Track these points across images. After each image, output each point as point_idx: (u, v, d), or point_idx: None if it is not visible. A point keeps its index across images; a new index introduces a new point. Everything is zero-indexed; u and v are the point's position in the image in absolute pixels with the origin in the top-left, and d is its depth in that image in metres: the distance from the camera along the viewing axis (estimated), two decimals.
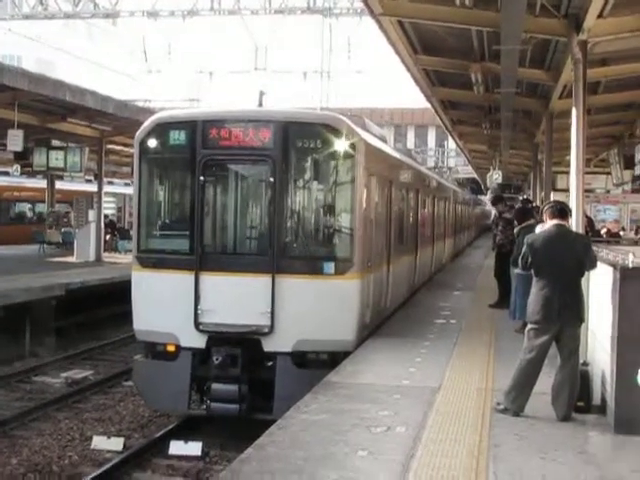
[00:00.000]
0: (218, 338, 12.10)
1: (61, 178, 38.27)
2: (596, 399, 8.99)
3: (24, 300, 19.26)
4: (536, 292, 8.83)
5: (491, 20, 12.99)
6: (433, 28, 15.20)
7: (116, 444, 12.33)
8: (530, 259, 8.89)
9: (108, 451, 12.18)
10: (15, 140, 23.34)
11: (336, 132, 12.22)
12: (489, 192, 54.63)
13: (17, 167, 30.44)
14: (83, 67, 68.46)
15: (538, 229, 12.19)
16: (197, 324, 12.15)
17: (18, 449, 12.42)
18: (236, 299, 12.14)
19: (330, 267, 12.18)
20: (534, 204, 21.67)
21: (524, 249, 9.03)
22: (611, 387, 8.28)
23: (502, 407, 8.89)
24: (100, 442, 12.42)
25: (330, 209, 12.79)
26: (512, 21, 11.65)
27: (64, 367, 18.16)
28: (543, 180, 25.24)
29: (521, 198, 30.20)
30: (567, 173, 17.98)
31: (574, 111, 12.95)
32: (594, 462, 7.50)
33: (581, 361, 9.19)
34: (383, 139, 17.31)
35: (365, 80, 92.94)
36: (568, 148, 14.17)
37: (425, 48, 17.31)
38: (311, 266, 12.25)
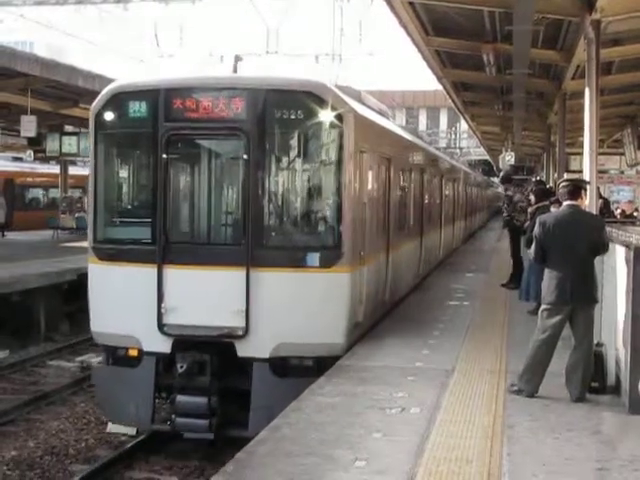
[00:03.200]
0: (185, 342, 10.63)
1: (74, 163, 38.36)
2: (610, 380, 9.00)
3: (38, 285, 19.34)
4: (549, 273, 8.82)
5: (503, 0, 12.92)
6: (444, 9, 15.12)
7: (130, 428, 12.40)
8: (541, 239, 8.87)
9: (123, 435, 12.26)
10: (29, 126, 23.46)
11: (320, 101, 10.64)
12: (501, 174, 54.53)
13: (30, 153, 30.52)
14: (94, 52, 68.48)
15: (553, 209, 12.22)
16: (161, 326, 10.62)
17: (35, 432, 12.54)
18: (205, 296, 10.60)
19: (314, 258, 10.63)
20: (548, 185, 21.64)
21: (536, 229, 9.03)
22: (625, 367, 8.27)
23: (516, 388, 8.90)
24: (115, 426, 12.49)
25: (314, 191, 11.25)
26: (525, 1, 11.58)
27: (78, 352, 18.24)
28: (556, 161, 25.16)
29: (534, 179, 30.14)
30: (580, 154, 17.97)
31: (587, 92, 12.88)
32: (608, 442, 7.51)
33: (595, 341, 9.18)
34: (384, 114, 15.80)
35: (377, 62, 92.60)
36: (581, 129, 14.10)
37: (436, 29, 17.22)
38: (292, 257, 10.68)
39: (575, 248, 8.72)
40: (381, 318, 13.34)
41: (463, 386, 9.29)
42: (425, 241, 18.70)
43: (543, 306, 8.92)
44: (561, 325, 8.79)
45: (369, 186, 12.31)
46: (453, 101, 28.30)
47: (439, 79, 22.61)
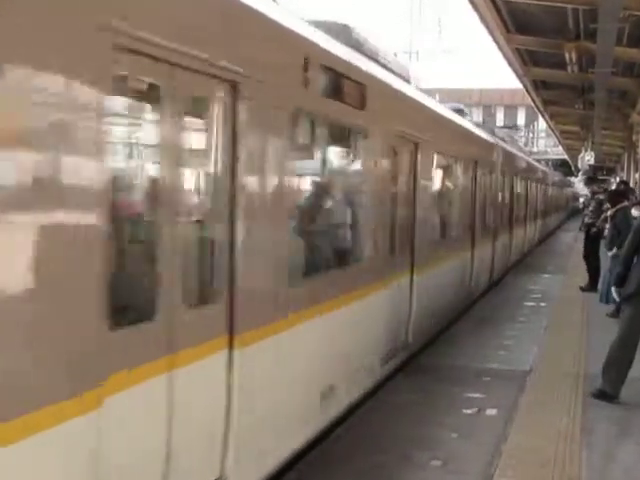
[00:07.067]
0: None
1: None
2: None
3: None
4: (637, 265, 8.67)
5: None
6: (527, 6, 14.97)
7: None
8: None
9: None
10: None
11: None
12: (580, 174, 53.78)
13: None
14: None
15: (634, 212, 12.04)
16: None
17: None
18: None
19: None
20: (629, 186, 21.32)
21: (637, 222, 8.96)
22: None
23: (596, 389, 8.71)
24: None
25: None
26: None
27: None
28: (637, 161, 24.72)
29: (617, 180, 29.65)
30: None
31: None
32: None
33: None
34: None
35: (455, 60, 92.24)
36: None
37: (518, 27, 17.07)
38: None
39: None
40: None
41: (541, 388, 9.17)
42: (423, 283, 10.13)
43: (624, 300, 8.80)
44: None
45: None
46: (532, 99, 28.02)
47: (519, 77, 22.43)
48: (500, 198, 18.04)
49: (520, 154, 25.30)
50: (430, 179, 10.97)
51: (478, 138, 15.78)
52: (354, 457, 6.83)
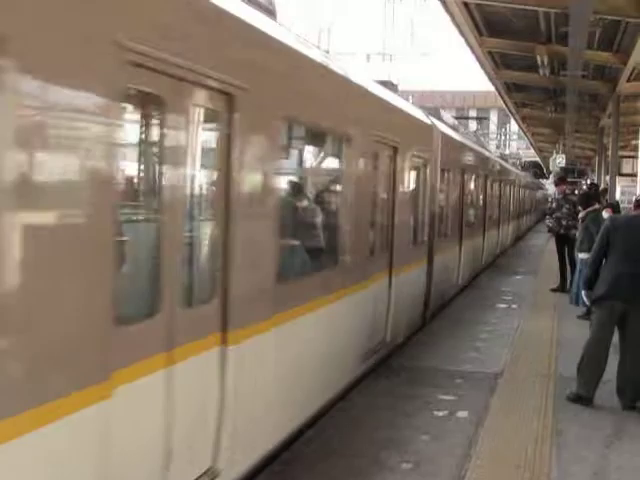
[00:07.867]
0: None
1: None
2: None
3: None
4: (607, 267, 8.71)
5: (559, 1, 12.79)
6: (499, 10, 15.03)
7: None
8: (610, 234, 8.78)
9: None
10: None
11: None
12: (551, 176, 54.17)
13: None
14: None
15: (605, 214, 12.11)
16: None
17: None
18: None
19: None
20: (600, 188, 21.39)
21: (606, 224, 9.00)
22: None
23: (572, 393, 8.70)
24: None
25: None
26: (581, 2, 11.44)
27: None
28: (608, 164, 24.88)
29: (588, 182, 29.79)
30: (634, 157, 17.75)
31: None
32: None
33: None
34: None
35: (429, 62, 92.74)
36: (635, 132, 13.99)
37: (491, 30, 17.15)
38: None
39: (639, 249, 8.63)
40: None
41: (512, 390, 9.19)
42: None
43: (595, 302, 8.83)
44: (613, 322, 8.63)
45: None
46: (504, 102, 28.16)
47: (491, 80, 22.53)
48: (442, 201, 14.12)
49: (475, 146, 20.45)
50: (276, 168, 6.23)
51: (398, 112, 10.85)
52: (324, 459, 6.79)
